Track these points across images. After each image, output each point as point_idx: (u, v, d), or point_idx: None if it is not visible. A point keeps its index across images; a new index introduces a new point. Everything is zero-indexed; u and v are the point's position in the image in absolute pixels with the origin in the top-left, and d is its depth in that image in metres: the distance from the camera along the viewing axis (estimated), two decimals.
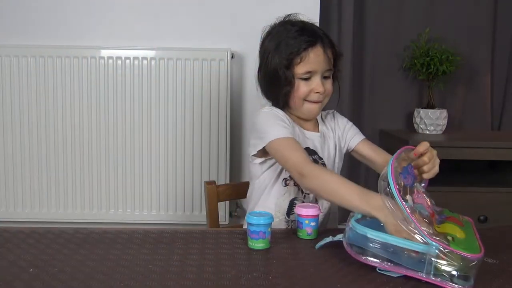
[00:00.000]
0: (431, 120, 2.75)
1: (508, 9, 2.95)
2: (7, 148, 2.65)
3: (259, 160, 1.61)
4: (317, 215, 1.37)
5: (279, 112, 1.59)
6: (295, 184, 1.59)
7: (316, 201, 1.61)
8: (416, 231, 1.07)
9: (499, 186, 2.59)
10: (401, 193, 1.11)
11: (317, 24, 1.67)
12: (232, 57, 2.65)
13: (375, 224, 1.15)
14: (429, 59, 2.75)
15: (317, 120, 1.72)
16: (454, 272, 1.04)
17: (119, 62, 2.61)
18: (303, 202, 1.60)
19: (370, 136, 2.64)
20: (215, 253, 1.23)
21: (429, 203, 1.20)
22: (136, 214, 2.70)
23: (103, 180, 2.68)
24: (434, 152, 1.37)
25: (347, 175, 2.62)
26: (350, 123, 1.77)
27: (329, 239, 1.25)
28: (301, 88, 1.57)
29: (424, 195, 1.22)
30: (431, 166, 1.35)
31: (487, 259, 1.13)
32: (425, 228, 1.08)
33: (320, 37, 1.57)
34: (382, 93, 2.97)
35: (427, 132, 2.78)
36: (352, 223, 1.16)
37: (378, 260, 1.10)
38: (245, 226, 1.68)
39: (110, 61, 2.61)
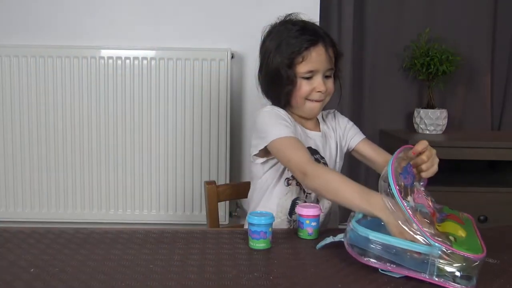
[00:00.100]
0: (431, 120, 2.75)
1: (508, 9, 2.95)
2: (7, 148, 2.65)
3: (261, 160, 1.60)
4: (318, 215, 1.37)
5: (280, 111, 1.59)
6: (297, 184, 1.59)
7: (317, 201, 1.61)
8: (419, 233, 1.07)
9: (499, 186, 2.59)
10: (402, 194, 1.11)
11: (317, 24, 1.67)
12: (232, 57, 2.65)
13: (375, 223, 1.15)
14: (429, 59, 2.75)
15: (317, 119, 1.72)
16: (457, 273, 1.04)
17: (119, 62, 2.61)
18: (305, 202, 1.60)
19: (370, 136, 2.64)
20: (216, 253, 1.23)
21: (429, 202, 1.20)
22: (136, 214, 2.70)
23: (103, 180, 2.68)
24: (433, 151, 1.37)
25: (347, 174, 2.59)
26: (351, 123, 1.77)
27: (330, 239, 1.25)
28: (303, 87, 1.57)
29: (424, 194, 1.22)
30: (429, 165, 1.35)
31: (488, 259, 1.13)
32: (427, 229, 1.07)
33: (322, 36, 1.58)
34: (382, 93, 2.97)
35: (427, 132, 2.78)
36: (353, 224, 1.15)
37: (380, 262, 1.10)
38: (245, 226, 1.68)
39: (110, 61, 2.61)
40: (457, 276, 1.04)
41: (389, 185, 1.12)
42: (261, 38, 1.67)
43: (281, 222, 1.61)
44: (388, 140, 2.84)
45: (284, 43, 1.57)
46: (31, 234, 1.34)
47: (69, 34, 2.67)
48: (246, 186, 1.77)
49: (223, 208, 2.67)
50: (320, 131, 1.69)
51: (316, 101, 1.60)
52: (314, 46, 1.55)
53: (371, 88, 2.96)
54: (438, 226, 1.14)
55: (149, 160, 2.67)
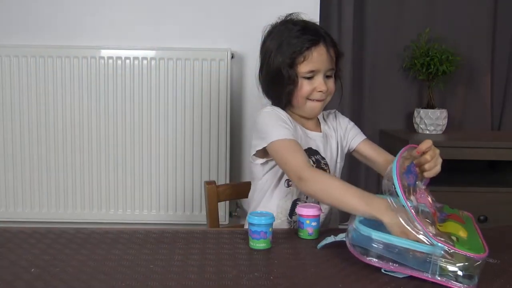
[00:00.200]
0: (431, 120, 2.75)
1: (508, 9, 2.95)
2: (7, 148, 2.65)
3: (261, 160, 1.60)
4: (318, 215, 1.37)
5: (281, 112, 1.58)
6: None
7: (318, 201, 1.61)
8: (421, 232, 1.07)
9: (499, 186, 2.59)
10: (406, 194, 1.12)
11: (318, 24, 1.67)
12: (232, 57, 2.65)
13: (377, 223, 1.15)
14: (429, 59, 2.75)
15: (318, 120, 1.72)
16: (460, 272, 1.04)
17: (119, 62, 2.61)
18: (306, 203, 1.60)
19: (370, 136, 2.63)
20: (216, 253, 1.23)
21: (430, 201, 1.20)
22: (136, 214, 2.70)
23: (103, 180, 2.68)
24: (437, 151, 1.37)
25: (347, 175, 2.63)
26: (352, 123, 1.77)
27: (331, 238, 1.25)
28: (304, 87, 1.57)
29: (426, 194, 1.22)
30: (433, 165, 1.35)
31: (489, 259, 1.13)
32: (430, 229, 1.08)
33: (323, 36, 1.58)
34: (382, 93, 2.97)
35: (427, 132, 2.77)
36: (356, 223, 1.15)
37: (382, 261, 1.10)
38: (245, 226, 1.68)
39: (110, 61, 2.61)
40: (459, 275, 1.04)
41: (393, 184, 1.12)
42: (261, 38, 1.66)
43: (281, 223, 1.61)
44: (388, 140, 2.84)
45: (285, 43, 1.57)
46: (32, 234, 1.34)
47: (69, 34, 2.67)
48: (246, 186, 1.77)
49: (223, 208, 2.67)
50: (321, 131, 1.68)
51: (317, 100, 1.60)
52: (316, 46, 1.55)
53: (371, 88, 2.96)
54: (440, 226, 1.14)
55: (149, 160, 2.67)
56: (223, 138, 2.65)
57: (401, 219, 1.11)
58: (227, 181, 2.67)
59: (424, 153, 1.34)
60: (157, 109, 2.63)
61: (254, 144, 1.57)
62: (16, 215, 2.69)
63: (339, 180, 1.35)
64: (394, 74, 2.98)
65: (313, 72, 1.57)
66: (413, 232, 1.08)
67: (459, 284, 1.04)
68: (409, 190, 1.15)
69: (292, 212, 1.61)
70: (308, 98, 1.59)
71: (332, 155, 1.68)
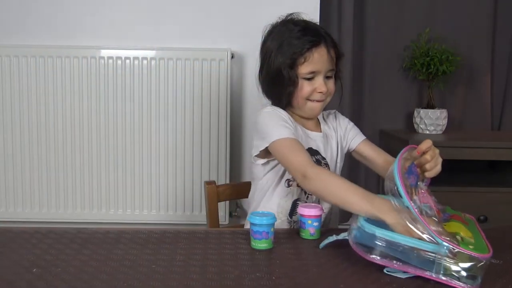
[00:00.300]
0: (431, 120, 2.75)
1: (508, 9, 2.95)
2: (7, 148, 2.65)
3: (262, 161, 1.60)
4: (320, 215, 1.37)
5: (281, 112, 1.58)
6: (298, 185, 1.58)
7: (318, 201, 1.61)
8: (425, 232, 1.07)
9: (499, 186, 2.59)
10: (409, 194, 1.12)
11: (317, 24, 1.67)
12: (232, 57, 2.65)
13: (379, 224, 1.15)
14: (429, 59, 2.75)
15: (318, 120, 1.72)
16: (463, 272, 1.04)
17: (119, 62, 2.61)
18: (306, 203, 1.60)
19: (370, 136, 2.63)
20: (218, 253, 1.23)
21: (433, 201, 1.20)
22: (136, 214, 2.70)
23: (103, 180, 2.68)
24: (437, 150, 1.37)
25: (347, 175, 2.63)
26: (352, 124, 1.77)
27: (333, 238, 1.25)
28: (304, 87, 1.57)
29: (428, 194, 1.22)
30: (433, 165, 1.35)
31: (491, 260, 1.13)
32: (434, 228, 1.08)
33: (323, 37, 1.57)
34: (382, 93, 2.97)
35: (427, 132, 2.78)
36: (360, 221, 1.15)
37: (385, 259, 1.10)
38: (246, 226, 1.68)
39: (110, 61, 2.61)
40: (463, 275, 1.04)
41: (395, 185, 1.12)
42: (261, 38, 1.66)
43: (281, 223, 1.61)
44: (388, 140, 2.84)
45: (286, 43, 1.57)
46: (34, 234, 1.34)
47: (69, 34, 2.67)
48: (246, 186, 1.77)
49: (223, 208, 2.67)
50: (321, 131, 1.68)
51: (317, 101, 1.60)
52: (316, 47, 1.55)
53: (371, 88, 2.96)
54: (444, 225, 1.14)
55: (149, 160, 2.67)
56: (223, 138, 2.65)
57: (405, 219, 1.10)
58: (227, 181, 2.67)
59: (424, 153, 1.34)
60: (157, 109, 2.63)
61: (256, 144, 1.57)
62: (16, 215, 2.68)
63: (343, 179, 1.34)
64: (394, 74, 2.98)
65: (314, 73, 1.56)
66: (418, 231, 1.08)
67: (462, 284, 1.04)
68: (411, 190, 1.15)
69: (292, 212, 1.61)
70: (308, 99, 1.59)
71: (332, 155, 1.68)
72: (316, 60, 1.55)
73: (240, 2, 2.68)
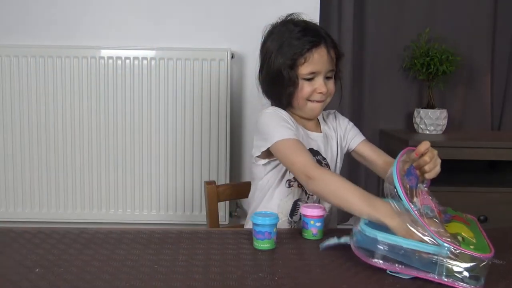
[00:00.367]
0: (431, 120, 2.75)
1: (508, 9, 2.95)
2: (7, 148, 2.64)
3: (263, 161, 1.60)
4: (323, 216, 1.36)
5: (282, 112, 1.58)
6: (299, 186, 1.58)
7: (319, 201, 1.61)
8: (427, 234, 1.07)
9: (499, 186, 2.59)
10: (408, 196, 1.12)
11: (318, 24, 1.67)
12: (232, 57, 2.65)
13: (381, 227, 1.15)
14: (429, 59, 2.75)
15: (318, 120, 1.72)
16: (466, 273, 1.04)
17: (119, 62, 2.61)
18: (307, 203, 1.60)
19: (370, 136, 2.64)
20: (221, 254, 1.23)
21: (434, 203, 1.20)
22: (136, 214, 2.70)
23: (103, 180, 2.67)
24: (435, 151, 1.38)
25: (347, 175, 2.62)
26: (351, 124, 1.77)
27: (334, 240, 1.25)
28: (305, 88, 1.57)
29: (428, 195, 1.22)
30: (432, 166, 1.36)
31: (494, 260, 1.13)
32: (435, 229, 1.08)
33: (323, 38, 1.57)
34: (382, 93, 2.97)
35: (427, 132, 2.78)
36: (361, 225, 1.15)
37: (388, 263, 1.10)
38: (245, 226, 1.68)
39: (110, 61, 2.61)
40: (465, 276, 1.04)
41: (394, 187, 1.12)
42: (261, 38, 1.66)
43: (281, 223, 1.60)
44: (388, 140, 2.84)
45: (286, 44, 1.57)
46: (37, 234, 1.34)
47: (69, 34, 2.67)
48: (246, 186, 1.77)
49: (223, 208, 2.67)
50: (321, 132, 1.68)
51: (317, 102, 1.60)
52: (316, 47, 1.55)
53: (371, 88, 2.96)
54: (446, 226, 1.14)
55: (149, 160, 2.67)
56: (223, 138, 2.65)
57: (405, 222, 1.11)
58: (227, 181, 2.67)
59: (422, 155, 1.34)
60: (157, 109, 2.63)
61: (257, 145, 1.57)
62: (16, 215, 2.68)
63: (346, 181, 1.34)
64: (394, 74, 2.98)
65: (314, 73, 1.56)
66: (419, 234, 1.08)
67: (465, 285, 1.04)
68: (411, 192, 1.15)
69: (292, 212, 1.61)
70: (308, 99, 1.59)
71: (333, 155, 1.68)
72: (316, 61, 1.55)
73: (240, 2, 2.68)
